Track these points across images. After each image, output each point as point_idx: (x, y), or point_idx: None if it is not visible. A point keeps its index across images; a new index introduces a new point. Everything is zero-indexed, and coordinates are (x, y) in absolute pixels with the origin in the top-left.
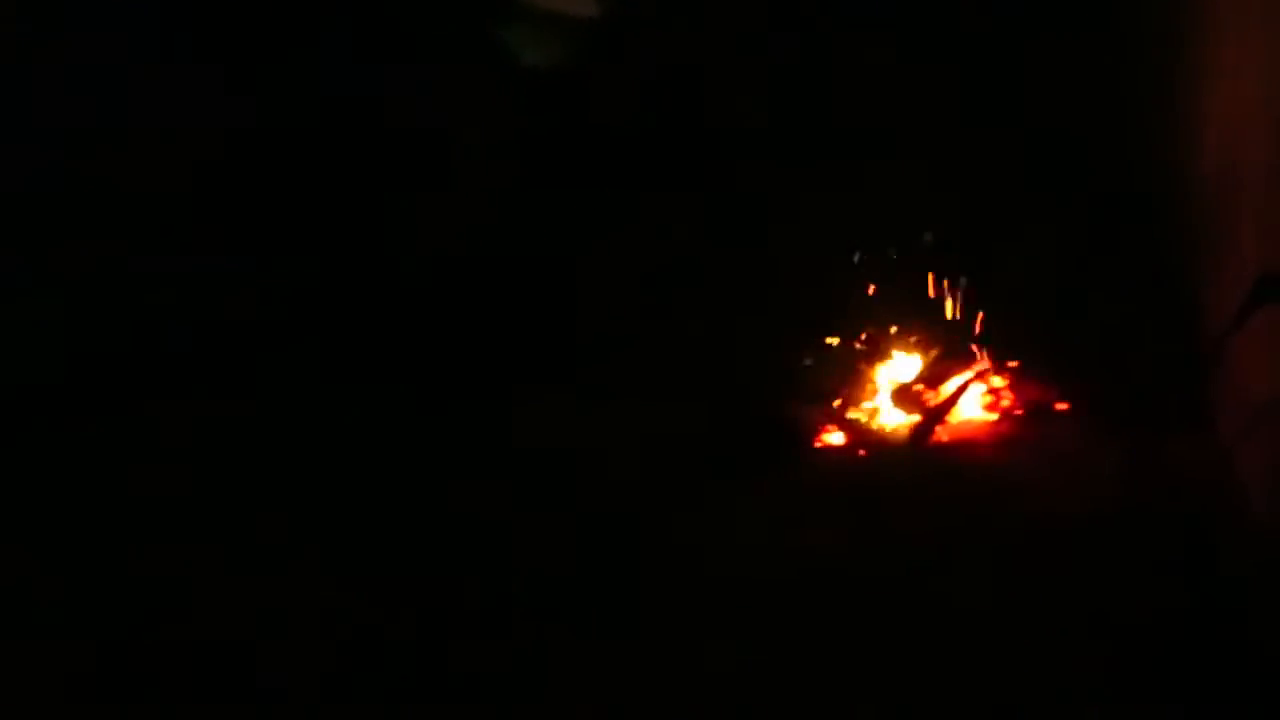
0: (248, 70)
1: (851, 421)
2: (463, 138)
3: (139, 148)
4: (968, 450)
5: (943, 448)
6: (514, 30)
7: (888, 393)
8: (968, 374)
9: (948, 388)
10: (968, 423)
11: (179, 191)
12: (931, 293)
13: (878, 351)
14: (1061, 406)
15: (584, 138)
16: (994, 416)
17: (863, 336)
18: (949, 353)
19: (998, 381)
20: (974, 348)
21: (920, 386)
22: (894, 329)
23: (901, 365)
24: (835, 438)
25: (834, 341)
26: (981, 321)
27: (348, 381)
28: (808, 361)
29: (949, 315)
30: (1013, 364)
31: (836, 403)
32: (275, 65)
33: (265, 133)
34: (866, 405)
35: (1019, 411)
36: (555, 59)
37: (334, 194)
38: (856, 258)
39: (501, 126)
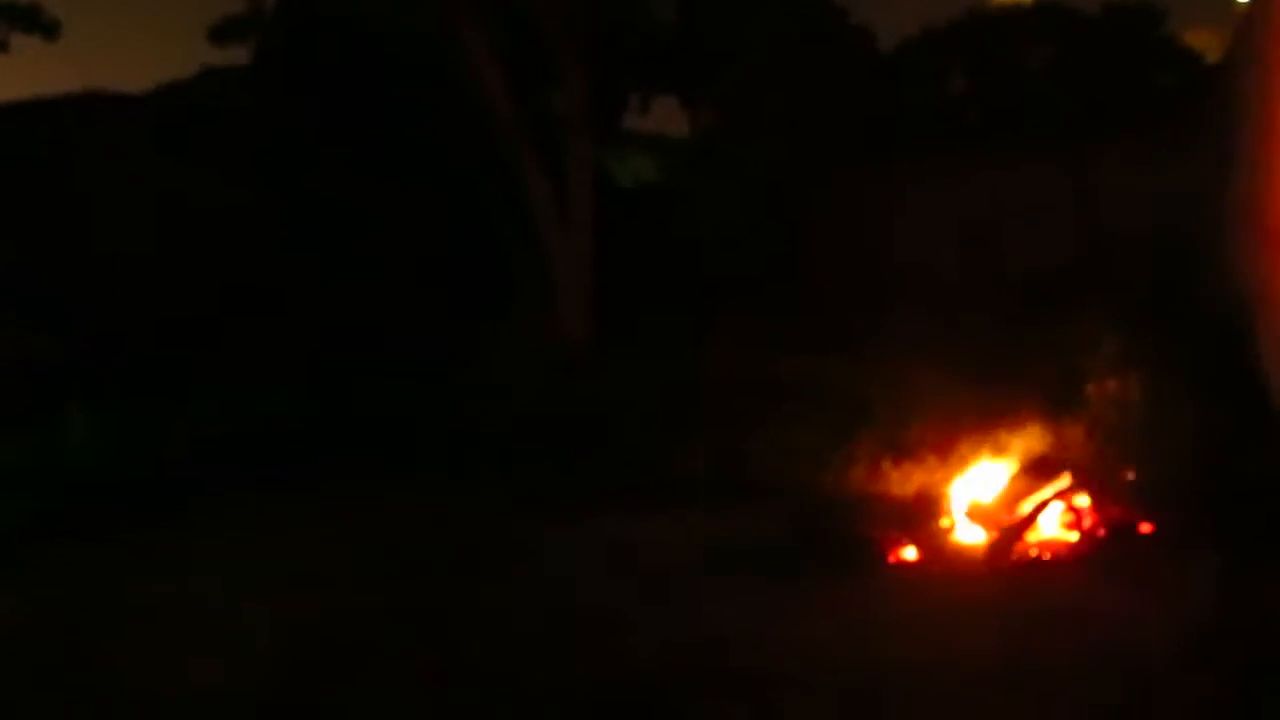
0: None
1: (927, 536)
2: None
3: None
4: (1045, 572)
5: (1019, 568)
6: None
7: (964, 508)
8: (1048, 492)
9: (1026, 505)
10: (1047, 542)
11: None
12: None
13: (956, 465)
14: (1146, 528)
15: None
16: (1074, 537)
17: (940, 450)
18: (1030, 469)
19: (1080, 501)
20: (1056, 465)
21: (999, 503)
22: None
23: (980, 480)
24: (909, 552)
25: (914, 456)
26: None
27: None
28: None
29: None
30: (1097, 482)
31: (912, 517)
32: None
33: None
34: (943, 520)
35: (1101, 533)
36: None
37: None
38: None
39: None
